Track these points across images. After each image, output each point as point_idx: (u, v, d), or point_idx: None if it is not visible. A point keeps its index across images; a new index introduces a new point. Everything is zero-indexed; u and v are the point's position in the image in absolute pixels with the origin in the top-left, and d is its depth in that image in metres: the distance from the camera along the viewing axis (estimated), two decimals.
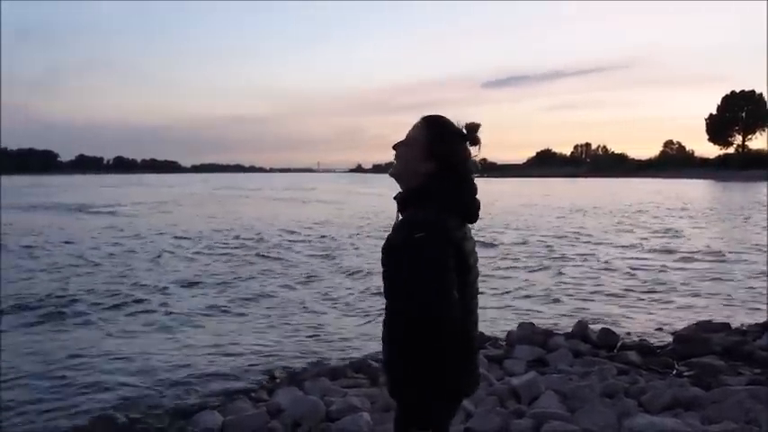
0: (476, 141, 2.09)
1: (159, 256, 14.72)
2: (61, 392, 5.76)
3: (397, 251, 1.99)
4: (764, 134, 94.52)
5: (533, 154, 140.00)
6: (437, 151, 2.05)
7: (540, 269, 12.91)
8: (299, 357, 6.77)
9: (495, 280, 11.48)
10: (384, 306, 2.12)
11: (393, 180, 2.16)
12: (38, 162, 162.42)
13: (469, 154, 2.10)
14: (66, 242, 17.71)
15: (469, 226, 2.13)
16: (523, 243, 17.26)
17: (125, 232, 20.54)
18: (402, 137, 2.14)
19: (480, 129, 2.09)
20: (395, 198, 2.12)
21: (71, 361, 6.70)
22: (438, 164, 2.05)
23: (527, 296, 10.16)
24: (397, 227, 2.03)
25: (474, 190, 2.11)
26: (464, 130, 2.09)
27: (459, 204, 2.06)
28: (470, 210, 2.09)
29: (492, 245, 16.63)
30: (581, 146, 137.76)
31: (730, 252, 15.11)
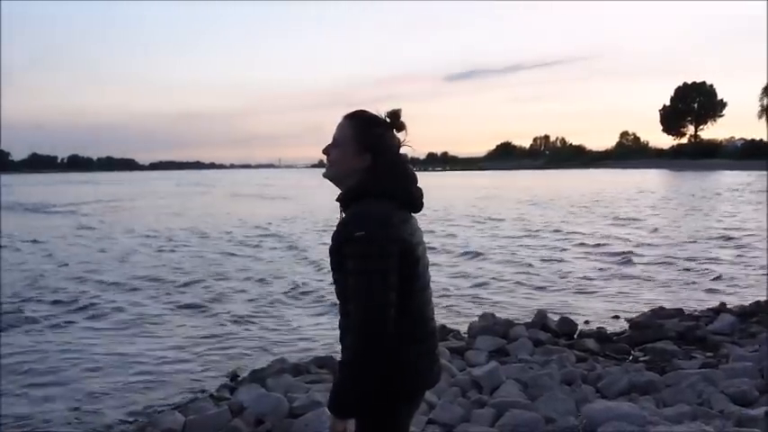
0: (401, 127, 2.08)
1: (123, 255, 14.45)
2: (20, 393, 5.64)
3: (339, 251, 1.96)
4: (716, 124, 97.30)
5: (494, 147, 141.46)
6: (368, 143, 2.03)
7: (500, 259, 13.06)
8: (260, 355, 6.74)
9: (454, 272, 11.57)
10: (339, 308, 2.10)
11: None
12: None
13: (399, 141, 2.09)
14: (33, 241, 17.54)
15: (416, 216, 2.11)
16: (484, 234, 17.45)
17: (87, 232, 20.13)
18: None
19: (402, 114, 2.07)
20: (337, 199, 2.08)
21: (29, 362, 6.56)
22: (372, 156, 2.03)
23: (488, 287, 10.28)
24: (341, 226, 1.99)
25: (414, 178, 2.10)
26: (387, 119, 2.07)
27: (401, 195, 2.04)
28: (413, 199, 2.07)
29: (452, 236, 16.79)
30: (540, 138, 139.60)
31: (684, 239, 15.54)
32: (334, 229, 2.02)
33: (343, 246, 1.94)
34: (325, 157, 2.12)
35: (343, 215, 2.05)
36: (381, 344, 1.89)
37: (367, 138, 2.04)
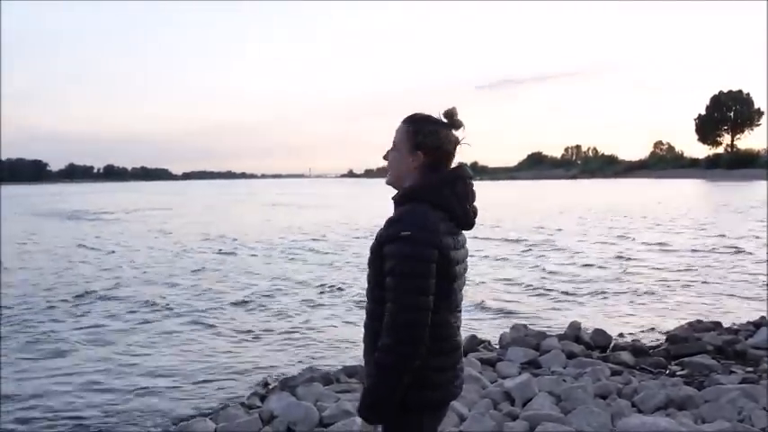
0: (458, 125, 2.09)
1: (167, 264, 14.68)
2: (55, 397, 5.74)
3: (382, 248, 1.95)
4: (753, 133, 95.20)
5: (524, 156, 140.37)
6: (421, 141, 2.04)
7: (534, 271, 12.92)
8: (291, 363, 6.75)
9: (488, 282, 11.47)
10: (366, 309, 2.10)
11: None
12: (28, 172, 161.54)
13: (456, 139, 2.09)
14: (82, 245, 17.76)
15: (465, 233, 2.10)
16: (518, 244, 17.28)
17: (111, 240, 20.51)
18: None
19: (457, 113, 2.08)
20: (393, 198, 2.09)
21: (64, 365, 6.68)
22: (425, 154, 2.04)
23: (520, 298, 10.16)
24: (387, 224, 1.99)
25: (473, 195, 2.09)
26: (443, 118, 2.08)
27: (455, 209, 2.02)
28: (467, 216, 2.06)
29: (488, 244, 16.65)
30: (571, 148, 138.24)
31: (722, 250, 15.18)
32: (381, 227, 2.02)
33: (384, 244, 1.94)
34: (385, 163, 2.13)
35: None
36: (419, 347, 1.89)
37: (418, 135, 2.05)
